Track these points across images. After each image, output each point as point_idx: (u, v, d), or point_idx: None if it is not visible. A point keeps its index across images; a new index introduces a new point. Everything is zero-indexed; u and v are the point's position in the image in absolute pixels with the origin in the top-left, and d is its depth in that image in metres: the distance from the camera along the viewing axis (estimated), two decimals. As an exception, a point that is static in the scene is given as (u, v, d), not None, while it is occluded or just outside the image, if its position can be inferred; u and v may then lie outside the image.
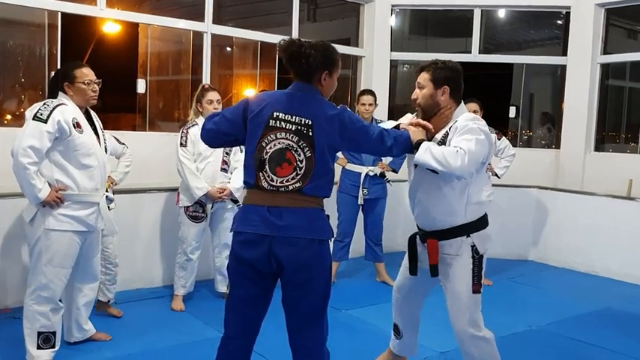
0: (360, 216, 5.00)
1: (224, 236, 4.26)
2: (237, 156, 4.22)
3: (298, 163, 2.29)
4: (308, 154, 2.29)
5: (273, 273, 2.35)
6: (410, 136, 2.55)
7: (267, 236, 2.28)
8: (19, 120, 5.27)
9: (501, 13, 6.98)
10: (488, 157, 2.67)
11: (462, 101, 2.77)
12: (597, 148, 6.39)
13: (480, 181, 2.72)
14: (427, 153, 2.48)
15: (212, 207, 4.17)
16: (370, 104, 4.81)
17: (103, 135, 3.26)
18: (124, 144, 3.87)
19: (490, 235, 2.76)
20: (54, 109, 2.95)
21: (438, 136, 2.67)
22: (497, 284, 5.07)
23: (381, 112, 6.05)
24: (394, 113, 6.27)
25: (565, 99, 6.41)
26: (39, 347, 3.07)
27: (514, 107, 6.83)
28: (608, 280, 5.43)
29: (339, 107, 2.40)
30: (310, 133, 2.29)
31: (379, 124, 2.74)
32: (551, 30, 7.35)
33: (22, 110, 5.28)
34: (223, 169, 4.16)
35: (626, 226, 5.37)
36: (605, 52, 6.27)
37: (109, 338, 3.51)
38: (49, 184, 2.99)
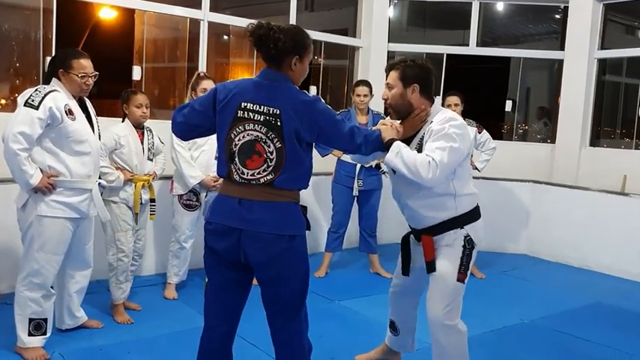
0: (355, 207, 5.00)
1: (218, 225, 4.25)
2: (232, 145, 4.21)
3: (268, 154, 2.21)
4: (278, 145, 2.21)
5: (242, 263, 2.31)
6: (380, 135, 2.48)
7: (236, 229, 2.24)
8: (12, 105, 5.23)
9: (499, 6, 6.96)
10: (467, 153, 2.63)
11: (436, 98, 2.71)
12: (592, 144, 6.40)
13: (465, 173, 2.69)
14: (398, 157, 2.44)
15: (206, 195, 4.15)
16: (365, 95, 4.78)
17: (97, 122, 3.24)
18: (163, 143, 4.02)
19: (482, 226, 2.73)
20: (46, 95, 2.92)
21: (415, 140, 2.62)
22: (490, 277, 5.09)
23: (377, 103, 6.02)
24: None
25: (561, 94, 6.40)
26: (30, 334, 3.06)
27: (510, 101, 6.82)
28: (601, 274, 5.45)
29: (312, 96, 2.32)
30: (279, 123, 2.20)
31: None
32: (549, 24, 7.35)
33: (15, 95, 5.24)
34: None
35: (620, 222, 5.38)
36: (603, 47, 6.26)
37: (101, 326, 3.51)
38: (41, 170, 2.97)
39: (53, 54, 4.54)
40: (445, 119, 2.56)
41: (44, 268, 3.04)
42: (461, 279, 2.61)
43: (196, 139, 3.98)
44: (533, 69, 7.43)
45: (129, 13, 5.40)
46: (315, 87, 6.22)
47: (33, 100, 2.89)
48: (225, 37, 6.52)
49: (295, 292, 2.32)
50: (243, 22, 5.70)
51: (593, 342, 3.73)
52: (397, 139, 2.49)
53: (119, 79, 5.87)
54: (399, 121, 2.64)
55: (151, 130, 3.89)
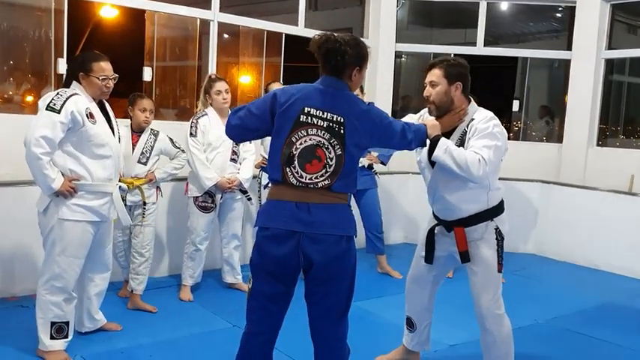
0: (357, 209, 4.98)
1: (232, 227, 4.26)
2: (247, 146, 4.21)
3: (328, 160, 2.26)
4: (339, 151, 2.27)
5: (298, 269, 2.32)
6: (426, 130, 2.59)
7: (296, 232, 2.25)
8: (21, 105, 5.21)
9: (503, 6, 6.94)
10: (505, 150, 2.76)
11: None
12: (599, 143, 6.42)
13: (497, 169, 2.81)
14: (447, 154, 2.55)
15: (221, 197, 4.15)
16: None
17: (117, 125, 3.23)
18: (179, 148, 3.96)
19: (506, 219, 2.87)
20: (67, 99, 2.91)
21: (455, 135, 2.72)
22: (501, 277, 5.10)
23: (385, 103, 6.05)
24: (397, 104, 6.26)
25: (569, 94, 6.41)
26: (52, 337, 3.06)
27: (517, 101, 6.82)
28: (609, 274, 5.47)
29: (368, 104, 2.38)
30: (342, 131, 2.27)
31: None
32: (550, 23, 7.35)
33: (18, 93, 5.21)
34: (233, 160, 4.14)
35: (628, 222, 5.39)
36: (610, 47, 6.27)
37: (119, 328, 3.51)
38: (63, 174, 2.96)
39: (64, 54, 4.53)
40: (488, 118, 2.69)
41: (66, 272, 3.04)
42: (500, 269, 2.78)
43: (211, 142, 4.01)
44: (533, 68, 7.42)
45: (139, 14, 5.36)
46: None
47: (55, 104, 2.88)
48: (226, 35, 6.46)
49: (345, 291, 2.37)
50: (252, 22, 5.70)
51: (607, 342, 3.76)
52: (442, 136, 2.59)
53: (128, 78, 5.84)
54: (433, 118, 2.73)
55: (155, 134, 3.88)
